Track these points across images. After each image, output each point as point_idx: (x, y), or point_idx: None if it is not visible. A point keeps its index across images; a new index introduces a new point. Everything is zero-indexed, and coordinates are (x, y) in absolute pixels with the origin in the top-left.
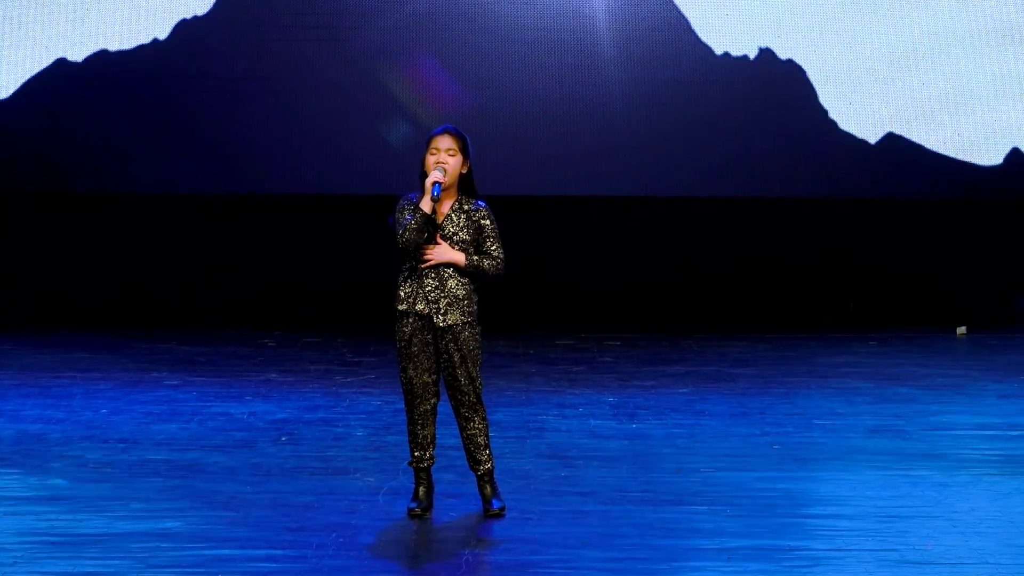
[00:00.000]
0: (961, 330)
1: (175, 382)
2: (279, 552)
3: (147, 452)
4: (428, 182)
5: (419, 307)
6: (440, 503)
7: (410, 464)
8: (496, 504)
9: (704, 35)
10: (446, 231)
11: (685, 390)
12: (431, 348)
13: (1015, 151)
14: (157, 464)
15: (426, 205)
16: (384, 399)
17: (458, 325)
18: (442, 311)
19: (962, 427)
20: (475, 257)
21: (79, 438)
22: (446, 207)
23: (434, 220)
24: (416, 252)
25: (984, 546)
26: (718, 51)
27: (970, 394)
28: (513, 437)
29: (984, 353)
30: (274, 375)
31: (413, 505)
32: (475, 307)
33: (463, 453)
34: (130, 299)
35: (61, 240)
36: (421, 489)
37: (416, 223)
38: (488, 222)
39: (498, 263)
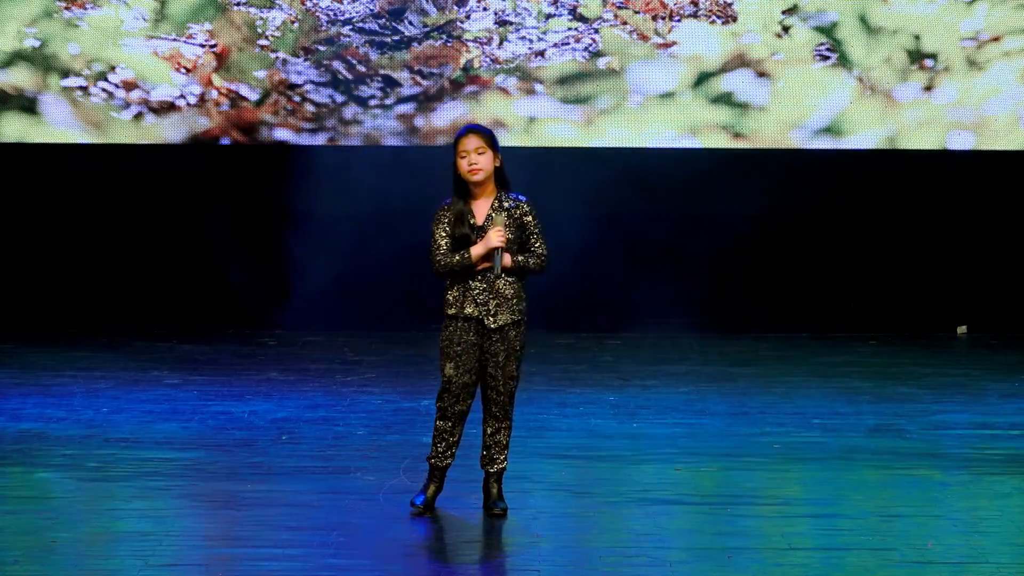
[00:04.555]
0: (961, 329)
1: (176, 381)
2: (279, 551)
3: (148, 451)
4: (492, 242)
5: (468, 310)
6: (441, 502)
7: (428, 460)
8: (500, 504)
9: None
10: (495, 222)
11: (686, 389)
12: (476, 349)
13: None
14: (158, 463)
15: (478, 250)
16: (385, 398)
17: (507, 325)
18: (492, 312)
19: (963, 426)
20: (520, 257)
21: (80, 437)
22: (485, 206)
23: (474, 225)
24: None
25: (985, 545)
26: None
27: (971, 393)
28: (514, 436)
29: (984, 353)
30: (275, 374)
31: (419, 500)
32: (524, 304)
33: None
34: (130, 297)
35: (61, 238)
36: (432, 488)
37: (459, 266)
38: (531, 218)
39: (542, 260)
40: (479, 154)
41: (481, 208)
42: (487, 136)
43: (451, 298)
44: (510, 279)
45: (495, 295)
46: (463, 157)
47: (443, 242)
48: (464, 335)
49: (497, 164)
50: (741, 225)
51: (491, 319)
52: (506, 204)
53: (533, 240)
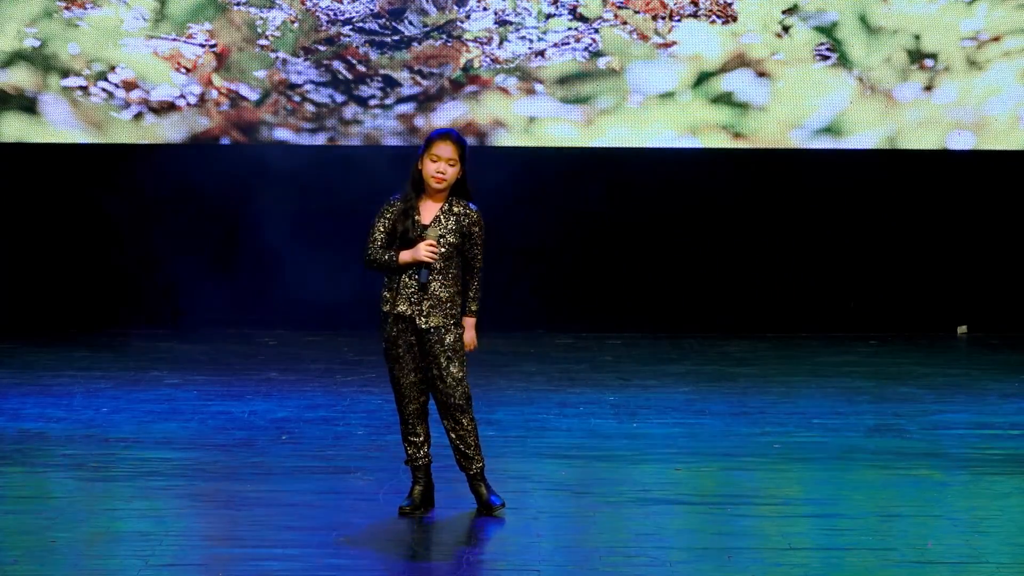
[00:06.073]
0: (961, 329)
1: (176, 381)
2: (279, 551)
3: (148, 451)
4: (420, 255)
5: (400, 308)
6: (441, 502)
7: (406, 463)
8: (496, 501)
9: None
10: (429, 234)
11: (686, 389)
12: (415, 349)
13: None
14: (157, 463)
15: (406, 257)
16: (385, 398)
17: (442, 327)
18: (424, 313)
19: (963, 426)
20: (473, 305)
21: (80, 437)
22: (435, 208)
23: (417, 223)
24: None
25: (985, 545)
26: None
27: (971, 393)
28: (514, 436)
29: (984, 352)
30: (274, 374)
31: (406, 504)
32: (459, 309)
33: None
34: (129, 297)
35: (61, 238)
36: (416, 488)
37: (386, 265)
38: (478, 229)
39: (479, 276)
40: (450, 165)
41: (431, 208)
42: (462, 149)
43: (386, 295)
44: (446, 282)
45: (429, 296)
46: (434, 161)
47: (379, 236)
48: (404, 336)
49: (459, 176)
50: (741, 225)
51: (422, 319)
52: (456, 209)
53: (476, 251)
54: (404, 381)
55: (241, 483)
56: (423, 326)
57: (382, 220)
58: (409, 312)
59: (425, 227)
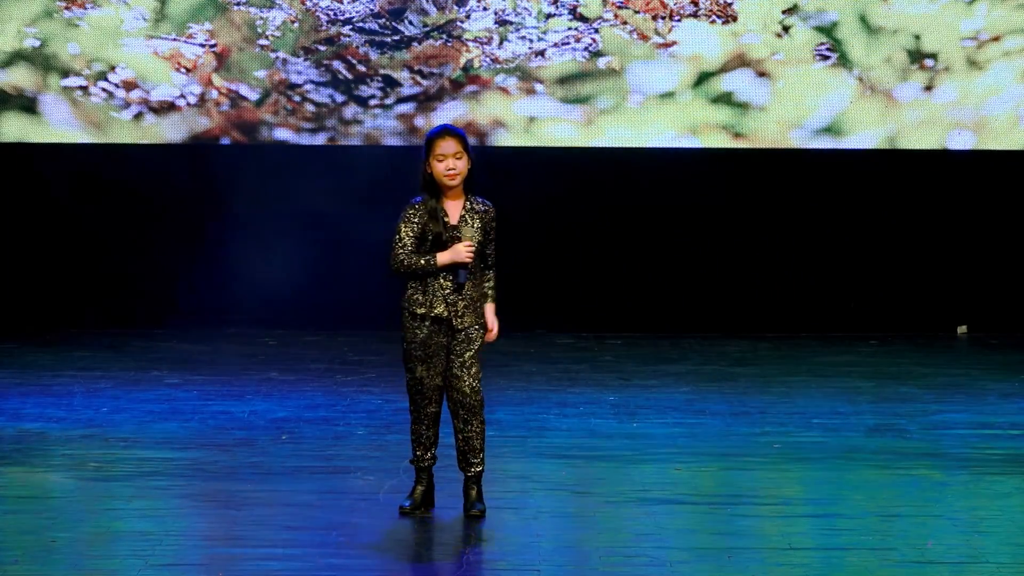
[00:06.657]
0: (961, 329)
1: (176, 380)
2: (279, 551)
3: (148, 451)
4: (461, 256)
5: (438, 310)
6: (441, 502)
7: (411, 463)
8: (478, 506)
9: None
10: (464, 234)
11: (686, 389)
12: (444, 351)
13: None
14: (158, 463)
15: (445, 258)
16: (385, 398)
17: (473, 326)
18: (460, 313)
19: (963, 426)
20: (492, 295)
21: (79, 437)
22: (456, 207)
23: (447, 224)
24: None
25: (985, 545)
26: None
27: (971, 393)
28: (514, 436)
29: (984, 353)
30: (275, 373)
31: (406, 504)
32: (483, 307)
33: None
34: (129, 297)
35: (61, 238)
36: (419, 488)
37: (422, 269)
38: (495, 224)
39: (493, 272)
40: (457, 159)
41: (452, 208)
42: (464, 140)
43: (419, 298)
44: (475, 281)
45: (463, 296)
46: (441, 160)
47: (408, 240)
48: (435, 337)
49: (469, 166)
50: (741, 225)
51: (458, 320)
52: (477, 208)
53: (492, 247)
54: (430, 383)
55: (241, 483)
56: (459, 326)
57: (410, 224)
58: (446, 314)
59: (456, 227)
